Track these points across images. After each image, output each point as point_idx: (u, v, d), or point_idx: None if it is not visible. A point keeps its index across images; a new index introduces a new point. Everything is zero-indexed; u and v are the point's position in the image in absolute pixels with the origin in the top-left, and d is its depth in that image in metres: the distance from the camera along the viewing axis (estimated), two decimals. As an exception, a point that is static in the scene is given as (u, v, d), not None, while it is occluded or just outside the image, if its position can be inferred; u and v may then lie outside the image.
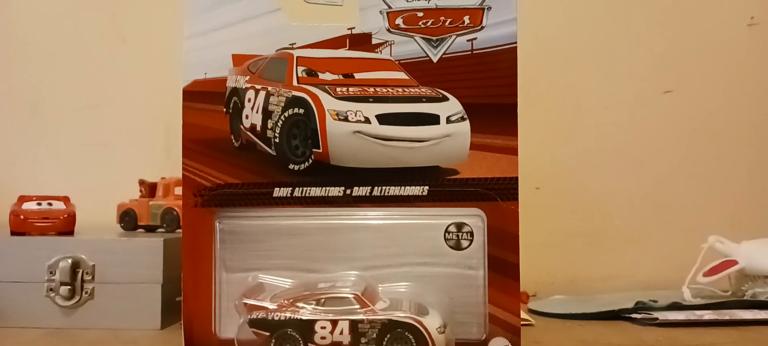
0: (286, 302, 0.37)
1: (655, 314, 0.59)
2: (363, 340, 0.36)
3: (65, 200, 0.62)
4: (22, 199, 0.61)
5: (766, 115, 0.82)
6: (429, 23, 0.39)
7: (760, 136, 0.82)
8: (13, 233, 0.59)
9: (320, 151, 0.39)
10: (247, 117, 0.40)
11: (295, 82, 0.39)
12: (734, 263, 0.65)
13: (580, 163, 0.82)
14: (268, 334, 0.36)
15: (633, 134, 0.82)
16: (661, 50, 0.82)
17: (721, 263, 0.66)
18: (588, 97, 0.82)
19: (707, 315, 0.59)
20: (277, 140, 0.39)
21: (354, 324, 0.36)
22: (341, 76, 0.40)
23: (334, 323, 0.36)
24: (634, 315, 0.60)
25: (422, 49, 0.39)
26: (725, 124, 0.82)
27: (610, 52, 0.82)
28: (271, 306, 0.37)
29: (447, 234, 0.39)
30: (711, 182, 0.81)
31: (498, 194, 0.38)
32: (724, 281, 0.66)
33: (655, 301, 0.63)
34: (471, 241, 0.39)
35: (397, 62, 0.39)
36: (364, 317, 0.36)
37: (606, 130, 0.82)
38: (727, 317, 0.58)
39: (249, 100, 0.40)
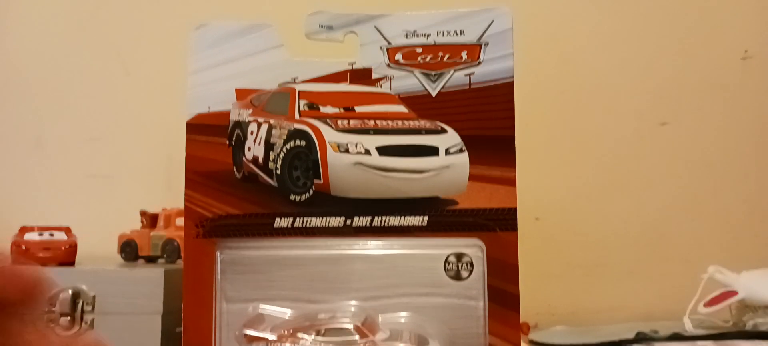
0: (286, 332, 0.37)
1: (656, 345, 0.58)
2: (363, 371, 0.36)
3: (67, 230, 0.63)
4: (24, 229, 0.61)
5: (762, 146, 0.83)
6: (428, 59, 0.40)
7: (757, 166, 0.83)
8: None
9: (321, 182, 0.39)
10: (249, 149, 0.41)
11: (296, 116, 0.40)
12: (734, 293, 0.65)
13: (580, 194, 0.82)
14: (268, 365, 0.36)
15: (631, 166, 0.83)
16: (657, 83, 0.84)
17: (722, 293, 0.65)
18: (586, 129, 0.83)
19: (708, 346, 0.58)
20: (278, 172, 0.40)
21: (354, 355, 0.36)
22: (342, 109, 0.40)
23: (335, 353, 0.36)
24: (635, 346, 0.60)
25: (421, 83, 0.40)
26: (722, 155, 0.83)
27: (607, 85, 0.84)
28: (272, 337, 0.37)
29: (447, 264, 0.39)
30: (710, 212, 0.82)
31: (497, 225, 0.39)
32: (724, 312, 0.66)
33: (656, 332, 0.62)
34: (471, 271, 0.39)
35: (396, 96, 0.40)
36: None
37: (604, 162, 0.83)
38: (728, 349, 0.58)
39: (251, 133, 0.41)
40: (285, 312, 0.39)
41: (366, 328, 0.37)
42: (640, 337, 0.61)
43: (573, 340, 0.63)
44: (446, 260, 0.39)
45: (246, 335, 0.37)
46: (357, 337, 0.36)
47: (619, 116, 0.82)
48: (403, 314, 0.39)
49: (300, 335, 0.36)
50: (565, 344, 0.62)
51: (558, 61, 0.83)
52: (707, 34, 0.83)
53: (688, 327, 0.64)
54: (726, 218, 0.81)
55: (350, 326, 0.36)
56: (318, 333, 0.36)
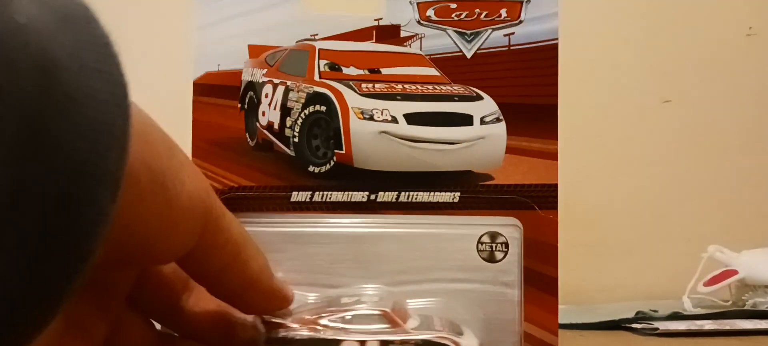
0: (308, 318, 0.33)
1: (656, 324, 0.58)
2: (393, 362, 0.33)
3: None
4: None
5: (765, 124, 0.83)
6: (463, 16, 0.36)
7: (760, 145, 0.83)
8: None
9: (343, 152, 0.35)
10: (263, 114, 0.36)
11: (316, 77, 0.36)
12: (734, 272, 0.65)
13: (580, 173, 0.81)
14: (287, 355, 0.32)
15: (633, 144, 0.82)
16: (660, 60, 0.82)
17: (721, 272, 0.65)
18: (587, 106, 0.81)
19: (708, 325, 0.58)
20: (296, 140, 0.36)
21: (384, 345, 0.33)
22: (367, 72, 0.37)
23: (363, 343, 0.32)
24: (634, 325, 0.59)
25: (455, 43, 0.36)
26: (724, 133, 0.82)
27: (609, 61, 0.82)
28: (292, 324, 0.33)
29: (480, 245, 0.36)
30: (711, 191, 0.82)
31: (536, 202, 0.36)
32: (724, 291, 0.66)
33: (655, 311, 0.62)
34: (506, 253, 0.36)
35: (427, 57, 0.36)
36: (395, 337, 0.33)
37: (606, 140, 0.81)
38: (727, 327, 0.58)
39: (266, 96, 0.37)
40: (305, 295, 0.35)
41: (395, 314, 0.33)
42: (640, 316, 0.60)
43: (573, 319, 0.61)
44: (479, 240, 0.36)
45: (264, 320, 0.33)
46: (387, 325, 0.33)
47: (620, 93, 0.81)
48: (433, 298, 0.36)
49: (323, 321, 0.33)
50: (564, 323, 0.61)
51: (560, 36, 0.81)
52: (711, 10, 0.82)
53: (688, 306, 0.63)
54: (727, 196, 0.81)
55: (379, 313, 0.33)
56: (343, 320, 0.33)
